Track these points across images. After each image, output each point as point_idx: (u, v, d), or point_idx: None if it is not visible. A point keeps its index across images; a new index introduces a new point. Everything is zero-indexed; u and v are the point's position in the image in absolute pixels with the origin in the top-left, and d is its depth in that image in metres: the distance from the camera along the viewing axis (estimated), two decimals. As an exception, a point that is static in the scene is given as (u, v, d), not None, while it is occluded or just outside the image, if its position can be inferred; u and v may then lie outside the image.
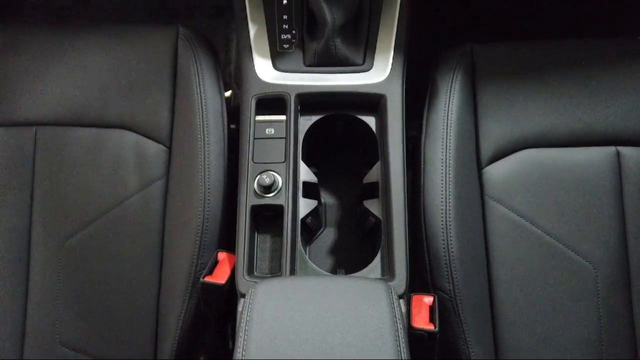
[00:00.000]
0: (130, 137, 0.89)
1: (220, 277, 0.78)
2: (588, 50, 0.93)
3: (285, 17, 0.90)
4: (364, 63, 0.88)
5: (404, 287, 0.73)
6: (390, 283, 0.69)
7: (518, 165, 0.87)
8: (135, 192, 0.88)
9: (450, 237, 0.80)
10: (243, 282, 0.74)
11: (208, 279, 0.77)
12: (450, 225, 0.81)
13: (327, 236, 0.90)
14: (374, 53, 0.88)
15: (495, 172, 0.87)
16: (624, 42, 0.96)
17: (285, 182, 0.80)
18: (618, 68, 0.90)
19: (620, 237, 0.85)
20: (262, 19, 0.90)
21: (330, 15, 0.83)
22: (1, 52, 0.93)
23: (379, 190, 0.82)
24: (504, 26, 1.42)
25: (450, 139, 0.85)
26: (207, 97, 0.88)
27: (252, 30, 0.90)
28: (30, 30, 0.96)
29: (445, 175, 0.83)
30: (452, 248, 0.80)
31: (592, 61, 0.91)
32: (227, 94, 1.02)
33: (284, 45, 0.90)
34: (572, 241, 0.85)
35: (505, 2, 1.48)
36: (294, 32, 0.90)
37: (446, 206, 0.82)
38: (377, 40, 0.88)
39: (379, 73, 0.87)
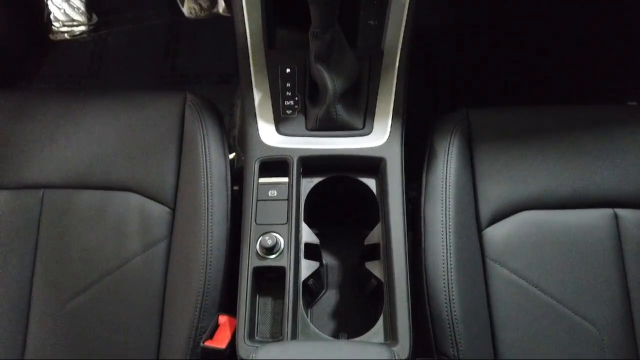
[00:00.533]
0: (135, 199, 0.91)
1: (220, 341, 0.76)
2: (580, 116, 0.96)
3: (288, 84, 0.94)
4: (364, 127, 0.91)
5: (408, 352, 0.72)
6: (393, 348, 0.68)
7: (518, 227, 0.88)
8: (137, 253, 0.88)
9: (453, 298, 0.79)
10: (244, 347, 0.73)
11: (208, 343, 0.76)
12: (452, 286, 0.80)
13: (329, 298, 0.89)
14: (374, 118, 0.91)
15: (496, 233, 0.87)
16: (615, 108, 0.99)
17: (287, 243, 0.80)
18: (610, 133, 0.93)
19: (624, 299, 0.84)
20: (266, 86, 0.94)
21: (331, 83, 0.86)
22: (12, 117, 0.96)
23: (380, 251, 0.82)
24: (499, 91, 1.47)
25: (449, 201, 0.86)
26: (212, 160, 0.90)
27: (257, 96, 0.93)
28: (42, 97, 0.99)
29: (446, 237, 0.84)
30: (454, 310, 0.79)
31: (584, 126, 0.94)
32: (231, 156, 1.04)
33: (287, 111, 0.93)
34: (576, 304, 0.84)
35: (499, 69, 1.55)
36: (296, 98, 0.93)
37: (447, 268, 0.82)
38: (376, 105, 0.92)
39: (379, 137, 0.89)
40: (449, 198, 0.86)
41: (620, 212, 0.88)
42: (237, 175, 0.92)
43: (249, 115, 0.92)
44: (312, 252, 0.84)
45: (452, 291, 0.80)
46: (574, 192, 0.89)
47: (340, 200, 0.96)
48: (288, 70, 0.94)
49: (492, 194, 0.89)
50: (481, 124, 0.94)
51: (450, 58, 1.60)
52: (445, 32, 1.65)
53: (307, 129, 0.92)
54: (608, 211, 0.88)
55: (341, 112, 0.89)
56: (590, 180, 0.89)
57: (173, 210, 0.90)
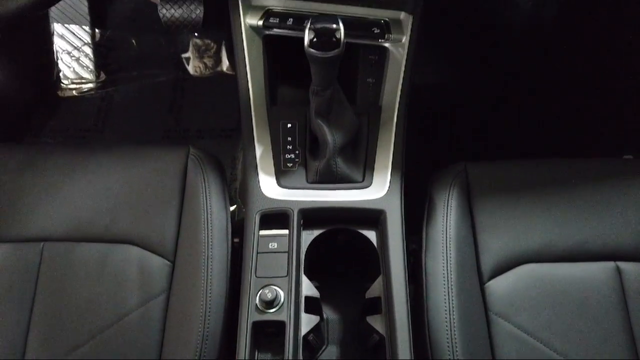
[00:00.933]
0: (135, 251, 0.90)
1: (218, 398, 0.74)
2: (577, 169, 0.97)
3: (289, 138, 0.96)
4: (364, 180, 0.92)
5: None
6: None
7: (520, 281, 0.87)
8: (135, 308, 0.87)
9: (457, 353, 0.78)
10: None
11: None
12: (455, 343, 0.79)
13: (330, 354, 0.87)
14: (373, 171, 0.93)
15: (498, 287, 0.87)
16: (611, 162, 1.01)
17: (288, 297, 0.79)
18: (608, 186, 0.94)
19: (629, 354, 0.82)
20: (267, 140, 0.96)
21: (331, 137, 0.88)
22: (17, 172, 0.97)
23: (382, 305, 0.81)
24: (496, 145, 1.50)
25: (450, 254, 0.86)
26: (213, 212, 0.91)
27: (259, 150, 0.95)
28: (47, 151, 1.01)
29: (448, 292, 0.83)
30: None
31: (581, 179, 0.95)
32: (232, 208, 1.05)
33: (288, 164, 0.95)
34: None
35: (497, 124, 1.59)
36: (297, 152, 0.95)
37: (450, 324, 0.80)
38: (375, 159, 0.94)
39: (378, 189, 0.90)
40: (450, 251, 0.86)
41: (623, 265, 0.88)
42: (238, 228, 0.92)
43: (251, 168, 0.93)
44: (312, 305, 0.83)
45: (456, 347, 0.78)
46: (575, 245, 0.89)
47: (341, 252, 0.96)
48: (289, 125, 0.96)
49: (493, 247, 0.89)
50: (479, 177, 0.95)
51: (448, 113, 1.64)
52: (442, 89, 1.70)
53: (307, 181, 0.93)
54: (610, 264, 0.88)
55: (341, 166, 0.90)
56: (590, 233, 0.89)
57: (173, 262, 0.90)
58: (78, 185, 0.96)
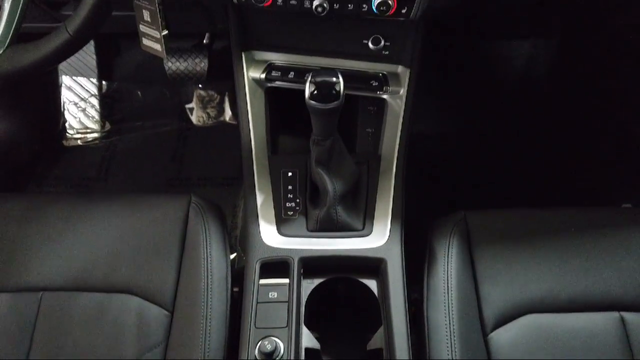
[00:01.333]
0: (134, 301, 0.89)
1: None
2: (577, 218, 0.98)
3: (290, 186, 0.98)
4: (364, 228, 0.93)
5: None
6: None
7: (523, 332, 0.85)
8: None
9: None
10: None
11: None
12: None
13: None
14: (373, 219, 0.93)
15: (501, 338, 0.85)
16: (610, 211, 1.01)
17: (287, 348, 0.78)
18: (608, 235, 0.94)
19: None
20: (268, 189, 0.97)
21: (331, 186, 0.90)
22: (18, 221, 0.97)
23: (384, 356, 0.79)
24: (495, 194, 1.51)
25: (452, 304, 0.85)
26: (213, 261, 0.91)
27: (259, 198, 0.96)
28: (49, 200, 1.02)
29: (451, 341, 0.81)
30: None
31: (582, 228, 0.95)
32: (232, 256, 1.05)
33: (289, 212, 0.95)
34: None
35: (495, 173, 1.60)
36: (298, 200, 0.96)
37: None
38: (375, 207, 0.94)
39: (379, 238, 0.91)
40: (452, 301, 0.85)
41: (627, 315, 0.86)
42: (238, 276, 0.92)
43: (251, 216, 0.94)
44: (312, 357, 0.81)
45: None
46: (577, 294, 0.88)
47: (342, 302, 0.95)
48: (290, 173, 0.98)
49: (495, 297, 0.88)
50: (479, 225, 0.95)
51: (447, 161, 1.66)
52: (440, 137, 1.73)
53: (308, 229, 0.93)
54: (614, 314, 0.86)
55: (341, 214, 0.91)
56: (592, 282, 0.89)
57: (171, 312, 0.89)
58: (78, 234, 0.96)
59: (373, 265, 0.88)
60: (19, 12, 0.69)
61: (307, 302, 0.86)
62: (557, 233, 0.94)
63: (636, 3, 1.17)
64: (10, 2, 0.68)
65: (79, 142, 1.79)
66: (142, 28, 0.89)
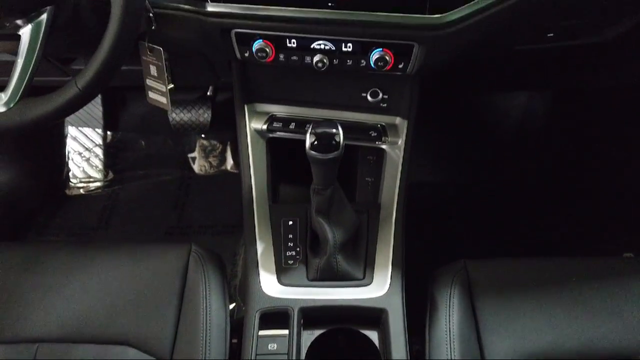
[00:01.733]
0: (131, 353, 0.88)
1: None
2: (578, 268, 0.97)
3: (290, 235, 0.98)
4: (364, 278, 0.92)
5: None
6: None
7: None
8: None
9: None
10: None
11: None
12: None
13: None
14: (374, 268, 0.93)
15: None
16: (612, 261, 1.01)
17: (287, 403, 0.76)
18: (611, 285, 0.93)
19: None
20: (269, 238, 0.98)
21: (331, 235, 0.90)
22: (17, 271, 0.97)
23: (386, 412, 0.77)
24: (495, 243, 1.51)
25: (454, 356, 0.83)
26: (212, 312, 0.89)
27: (260, 247, 0.96)
28: (48, 250, 1.01)
29: None
30: None
31: (583, 279, 0.94)
32: (231, 306, 1.03)
33: (289, 261, 0.95)
34: None
35: (495, 221, 1.61)
36: (298, 249, 0.96)
37: None
38: (375, 256, 0.94)
39: (379, 287, 0.90)
40: (454, 353, 0.84)
41: None
42: (237, 326, 0.90)
43: (251, 265, 0.93)
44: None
45: None
46: (582, 346, 0.86)
47: (342, 353, 0.93)
48: (290, 222, 0.98)
49: (499, 348, 0.86)
50: (480, 275, 0.95)
51: (446, 210, 1.67)
52: (440, 186, 1.75)
53: (308, 279, 0.93)
54: None
55: (341, 263, 0.91)
56: (596, 333, 0.87)
57: (169, 365, 0.87)
58: (77, 285, 0.95)
59: (374, 316, 0.87)
60: (31, 67, 0.71)
61: (307, 354, 0.84)
62: (559, 283, 0.94)
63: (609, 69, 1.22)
64: (23, 58, 0.71)
65: (81, 191, 1.81)
66: (149, 82, 0.92)
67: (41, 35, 0.70)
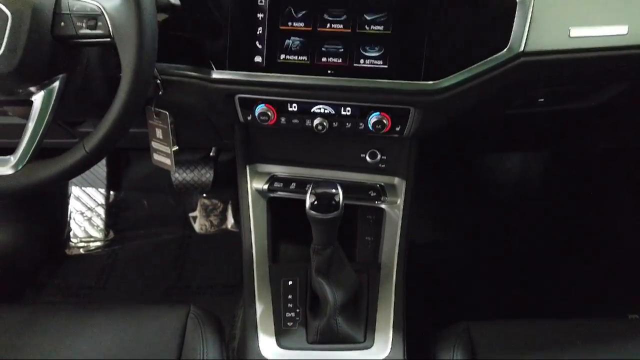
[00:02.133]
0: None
1: None
2: (582, 330, 0.95)
3: (290, 296, 0.97)
4: (365, 340, 0.91)
5: None
6: None
7: None
8: None
9: None
10: None
11: None
12: None
13: None
14: (374, 330, 0.92)
15: None
16: (616, 322, 0.99)
17: None
18: (616, 347, 0.91)
19: None
20: (268, 299, 0.97)
21: (331, 295, 0.89)
22: (13, 334, 0.95)
23: None
24: (496, 303, 1.48)
25: None
26: (210, 376, 0.88)
27: (259, 309, 0.95)
28: (46, 312, 1.00)
29: None
30: None
31: (587, 341, 0.92)
32: (229, 370, 1.01)
33: (288, 323, 0.94)
34: None
35: (496, 280, 1.59)
36: (298, 310, 0.95)
37: None
38: (376, 318, 0.93)
39: (381, 350, 0.89)
40: None
41: None
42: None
43: (250, 327, 0.92)
44: None
45: None
46: None
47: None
48: (290, 282, 0.98)
49: None
50: (483, 338, 0.93)
51: (447, 270, 1.65)
52: (440, 245, 1.74)
53: (307, 341, 0.91)
54: None
55: (342, 325, 0.89)
56: None
57: None
58: (74, 348, 0.93)
59: (376, 380, 0.85)
60: (41, 132, 0.74)
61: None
62: (563, 345, 0.92)
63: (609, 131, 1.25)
64: (34, 122, 0.74)
65: (81, 250, 1.80)
66: (154, 145, 0.95)
67: (52, 101, 0.73)
